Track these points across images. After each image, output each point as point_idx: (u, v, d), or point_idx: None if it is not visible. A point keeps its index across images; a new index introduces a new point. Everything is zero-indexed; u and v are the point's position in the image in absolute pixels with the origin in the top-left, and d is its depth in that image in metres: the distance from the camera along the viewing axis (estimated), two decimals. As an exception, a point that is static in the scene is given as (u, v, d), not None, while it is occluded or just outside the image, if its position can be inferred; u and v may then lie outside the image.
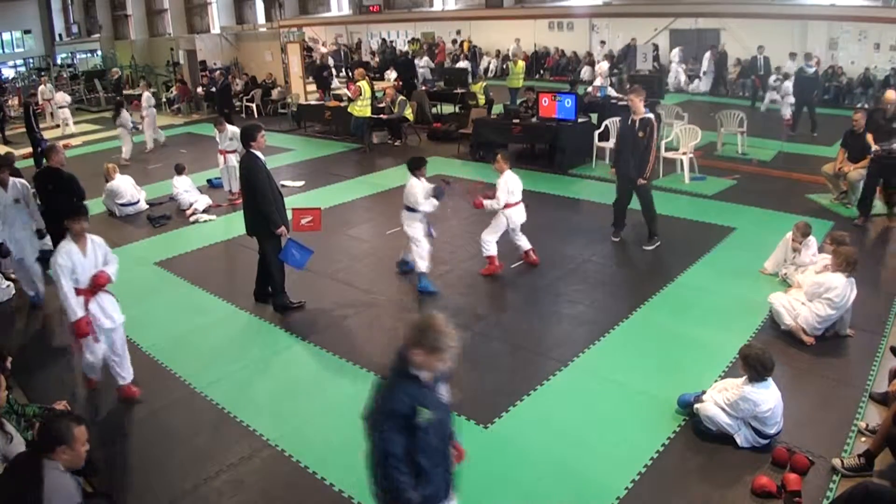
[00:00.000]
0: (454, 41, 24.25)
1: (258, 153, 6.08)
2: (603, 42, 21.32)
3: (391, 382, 2.72)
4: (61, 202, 6.60)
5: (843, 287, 5.33)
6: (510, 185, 6.88)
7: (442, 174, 11.36)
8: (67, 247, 4.72)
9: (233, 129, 9.99)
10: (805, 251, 6.37)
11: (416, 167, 6.51)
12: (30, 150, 13.31)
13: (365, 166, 12.19)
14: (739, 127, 11.55)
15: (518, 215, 6.99)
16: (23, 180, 6.92)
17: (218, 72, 18.73)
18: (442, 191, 6.55)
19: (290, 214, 6.41)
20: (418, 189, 6.43)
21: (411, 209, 6.52)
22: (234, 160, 9.85)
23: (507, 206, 6.88)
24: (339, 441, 4.52)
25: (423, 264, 6.60)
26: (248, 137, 6.11)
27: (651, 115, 7.36)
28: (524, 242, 7.21)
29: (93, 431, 4.68)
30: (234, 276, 7.54)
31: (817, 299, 5.44)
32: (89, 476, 4.18)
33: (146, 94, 14.90)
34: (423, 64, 19.70)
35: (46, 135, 15.25)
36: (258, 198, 6.03)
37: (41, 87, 19.32)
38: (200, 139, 15.30)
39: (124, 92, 20.40)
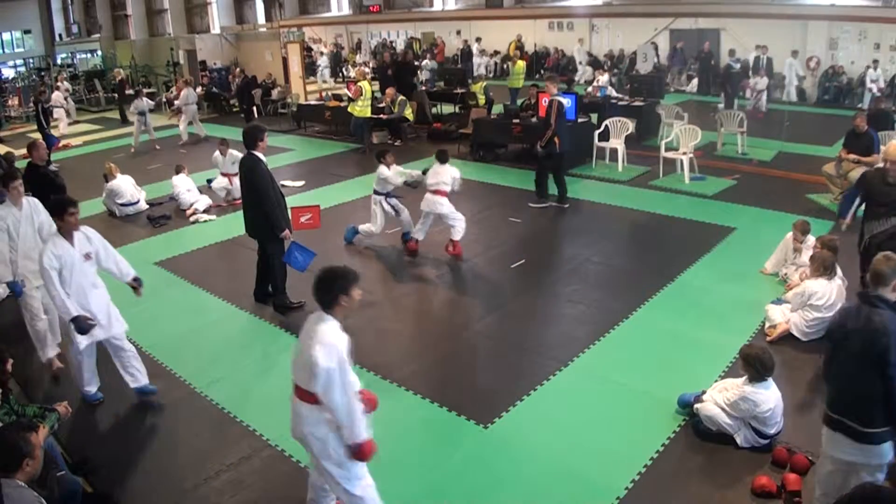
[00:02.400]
0: (467, 40, 24.05)
1: (260, 155, 6.05)
2: (655, 43, 19.63)
3: (892, 319, 3.05)
4: (45, 199, 5.72)
5: (823, 290, 5.40)
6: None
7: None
8: (342, 343, 3.22)
9: (234, 154, 9.70)
10: (805, 251, 6.36)
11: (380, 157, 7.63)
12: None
13: (365, 166, 12.16)
14: (739, 127, 11.55)
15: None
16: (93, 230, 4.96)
17: (239, 68, 18.87)
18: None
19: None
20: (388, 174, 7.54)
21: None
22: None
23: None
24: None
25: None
26: (252, 139, 6.05)
27: (558, 98, 8.89)
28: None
29: (93, 431, 4.75)
30: (234, 276, 7.53)
31: (801, 308, 5.50)
32: (88, 475, 4.20)
33: (185, 92, 15.37)
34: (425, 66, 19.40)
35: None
36: (261, 200, 6.00)
37: (55, 94, 18.27)
38: (200, 139, 15.31)
39: (126, 92, 20.30)
